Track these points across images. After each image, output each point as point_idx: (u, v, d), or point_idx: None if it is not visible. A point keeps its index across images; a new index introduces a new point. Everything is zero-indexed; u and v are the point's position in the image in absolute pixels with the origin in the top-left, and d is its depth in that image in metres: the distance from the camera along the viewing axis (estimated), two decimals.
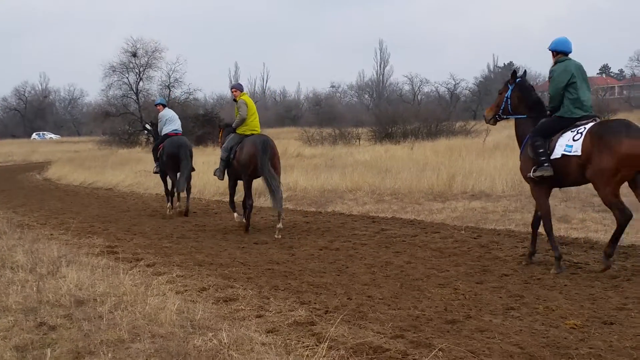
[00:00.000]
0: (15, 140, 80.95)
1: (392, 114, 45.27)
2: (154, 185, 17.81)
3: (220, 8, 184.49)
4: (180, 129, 16.93)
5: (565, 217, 11.69)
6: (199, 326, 6.31)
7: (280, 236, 12.05)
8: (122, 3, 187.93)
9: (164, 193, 17.31)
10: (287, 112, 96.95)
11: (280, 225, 12.28)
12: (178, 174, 16.22)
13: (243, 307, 7.13)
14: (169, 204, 16.64)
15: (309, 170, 21.58)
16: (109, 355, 5.50)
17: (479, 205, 13.92)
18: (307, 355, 5.38)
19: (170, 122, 16.74)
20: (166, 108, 17.23)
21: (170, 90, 58.07)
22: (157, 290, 7.65)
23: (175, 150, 15.97)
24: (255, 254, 10.40)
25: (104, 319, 6.46)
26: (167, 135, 16.50)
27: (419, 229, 12.19)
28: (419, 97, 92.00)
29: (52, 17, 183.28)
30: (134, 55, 58.49)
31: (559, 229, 10.65)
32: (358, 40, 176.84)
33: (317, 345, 5.65)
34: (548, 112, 9.11)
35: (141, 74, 59.09)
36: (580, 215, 11.93)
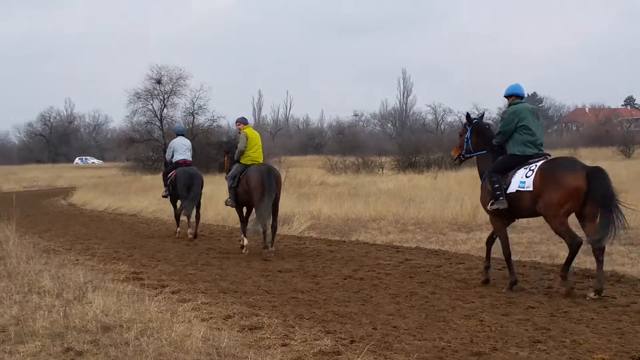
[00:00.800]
0: (40, 166, 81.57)
1: (415, 143, 45.33)
2: None
3: (244, 36, 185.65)
4: (190, 158, 17.67)
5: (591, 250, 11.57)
6: (225, 354, 6.30)
7: (273, 249, 13.33)
8: (146, 30, 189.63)
9: (181, 219, 17.87)
10: (310, 140, 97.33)
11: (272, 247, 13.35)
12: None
13: (268, 336, 7.11)
14: (178, 228, 17.68)
15: (333, 199, 21.62)
16: None
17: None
18: None
19: (177, 151, 17.59)
20: (178, 137, 18.02)
21: (194, 117, 58.31)
22: (183, 317, 7.64)
23: (189, 181, 16.93)
24: (279, 282, 10.39)
25: (131, 345, 6.45)
26: (177, 164, 17.35)
27: (444, 259, 12.18)
28: (442, 126, 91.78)
29: (77, 44, 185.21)
30: (159, 82, 58.87)
31: (585, 262, 10.57)
32: (381, 69, 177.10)
33: None
34: (495, 146, 10.00)
35: (165, 101, 59.45)
36: (606, 248, 11.81)
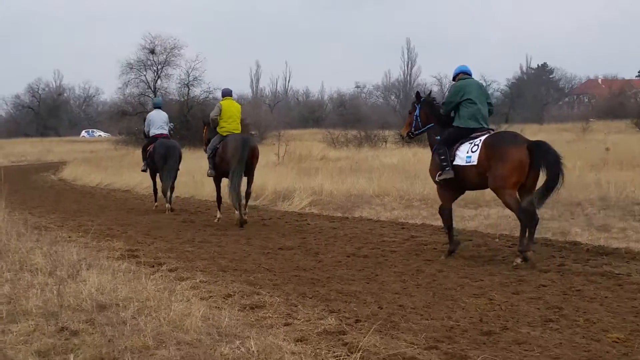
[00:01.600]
0: (28, 139, 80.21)
1: None
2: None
3: (241, 5, 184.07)
4: (167, 132, 17.96)
5: (605, 226, 11.36)
6: (226, 334, 6.13)
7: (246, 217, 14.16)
8: None
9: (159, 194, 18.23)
10: (310, 113, 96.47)
11: (245, 216, 14.20)
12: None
13: (270, 315, 6.96)
14: (156, 202, 18.35)
15: (334, 174, 21.36)
16: None
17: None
18: None
19: (154, 125, 17.83)
20: (155, 110, 18.35)
21: (189, 89, 57.74)
22: (181, 296, 7.48)
23: (164, 151, 17.16)
24: (280, 260, 10.20)
25: (128, 325, 6.27)
26: (155, 137, 17.60)
27: None
28: None
29: (66, 12, 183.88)
30: (152, 52, 58.36)
31: (599, 239, 10.38)
32: (384, 39, 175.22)
33: (348, 356, 5.50)
34: (442, 116, 10.64)
35: (159, 72, 58.99)
36: (620, 224, 11.58)
